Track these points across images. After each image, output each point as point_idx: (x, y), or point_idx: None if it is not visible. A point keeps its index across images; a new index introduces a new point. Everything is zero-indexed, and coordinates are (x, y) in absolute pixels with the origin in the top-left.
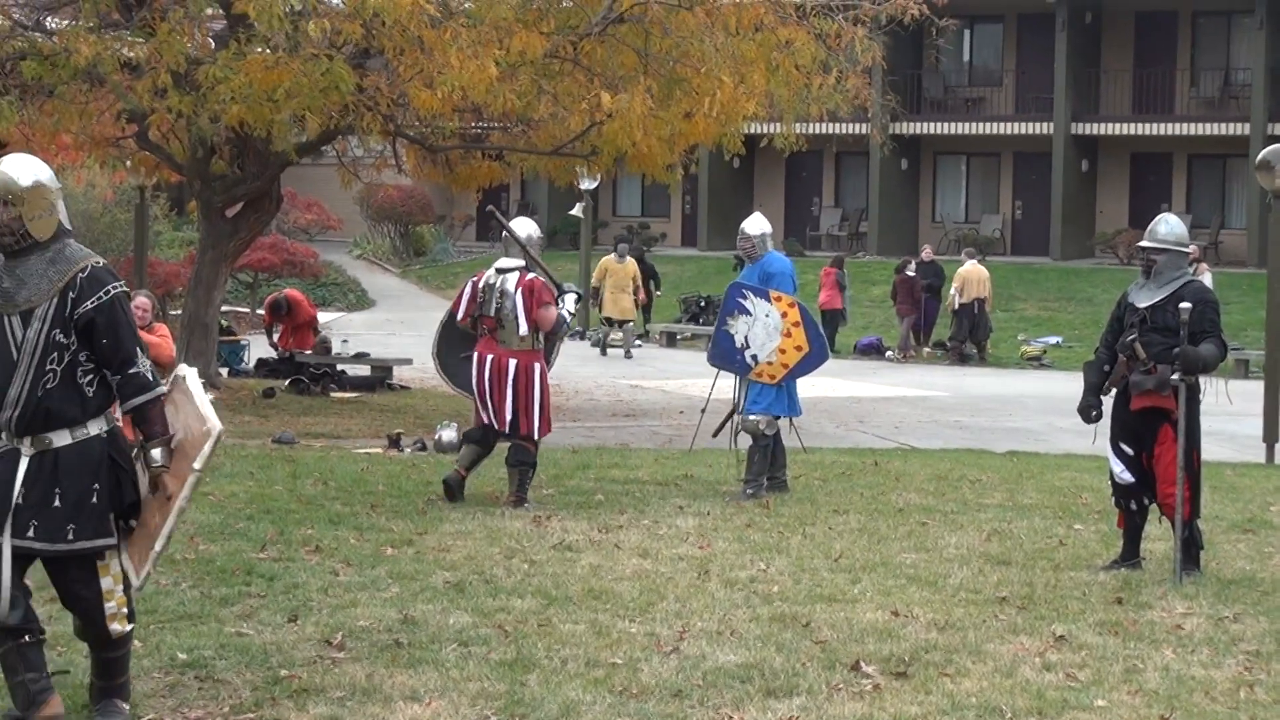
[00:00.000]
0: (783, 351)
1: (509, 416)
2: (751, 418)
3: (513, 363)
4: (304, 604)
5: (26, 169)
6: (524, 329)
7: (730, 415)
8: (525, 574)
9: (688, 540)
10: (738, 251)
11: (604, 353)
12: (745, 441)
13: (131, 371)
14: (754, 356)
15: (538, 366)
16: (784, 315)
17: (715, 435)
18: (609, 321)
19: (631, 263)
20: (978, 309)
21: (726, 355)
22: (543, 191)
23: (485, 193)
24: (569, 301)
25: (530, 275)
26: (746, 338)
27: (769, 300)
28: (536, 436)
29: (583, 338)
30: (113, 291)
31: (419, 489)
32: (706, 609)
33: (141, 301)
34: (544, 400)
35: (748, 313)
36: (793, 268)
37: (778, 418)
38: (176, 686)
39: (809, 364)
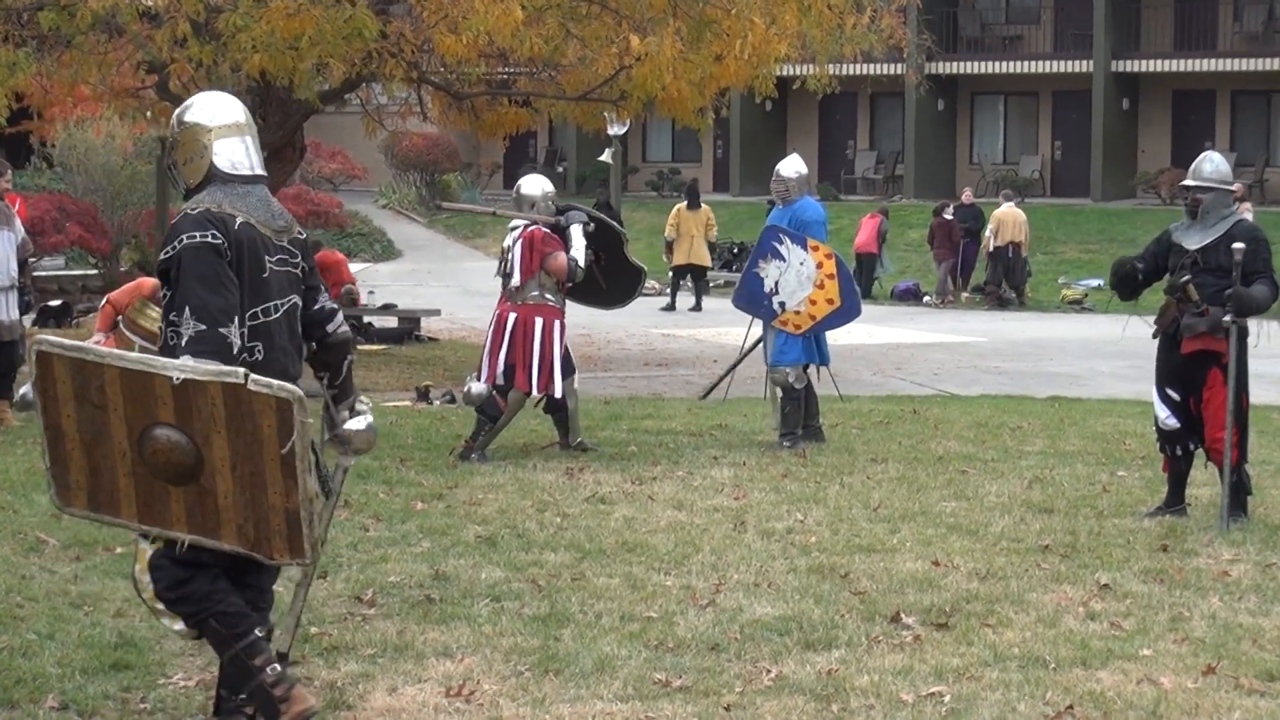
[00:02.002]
0: (813, 303)
1: (500, 368)
2: (781, 368)
3: (512, 316)
4: (333, 560)
5: None
6: (516, 280)
7: (731, 370)
8: (558, 527)
9: (723, 491)
10: (770, 197)
11: (673, 306)
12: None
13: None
14: (781, 304)
15: (540, 321)
16: (819, 266)
17: (704, 397)
18: (681, 271)
19: (706, 209)
20: (1012, 253)
21: (753, 298)
22: (571, 138)
23: (512, 139)
24: (576, 237)
25: (532, 228)
26: (777, 283)
27: (805, 248)
28: (536, 392)
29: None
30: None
31: (448, 442)
32: (743, 561)
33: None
34: (545, 355)
35: (781, 258)
36: (825, 215)
37: (806, 366)
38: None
39: (838, 319)
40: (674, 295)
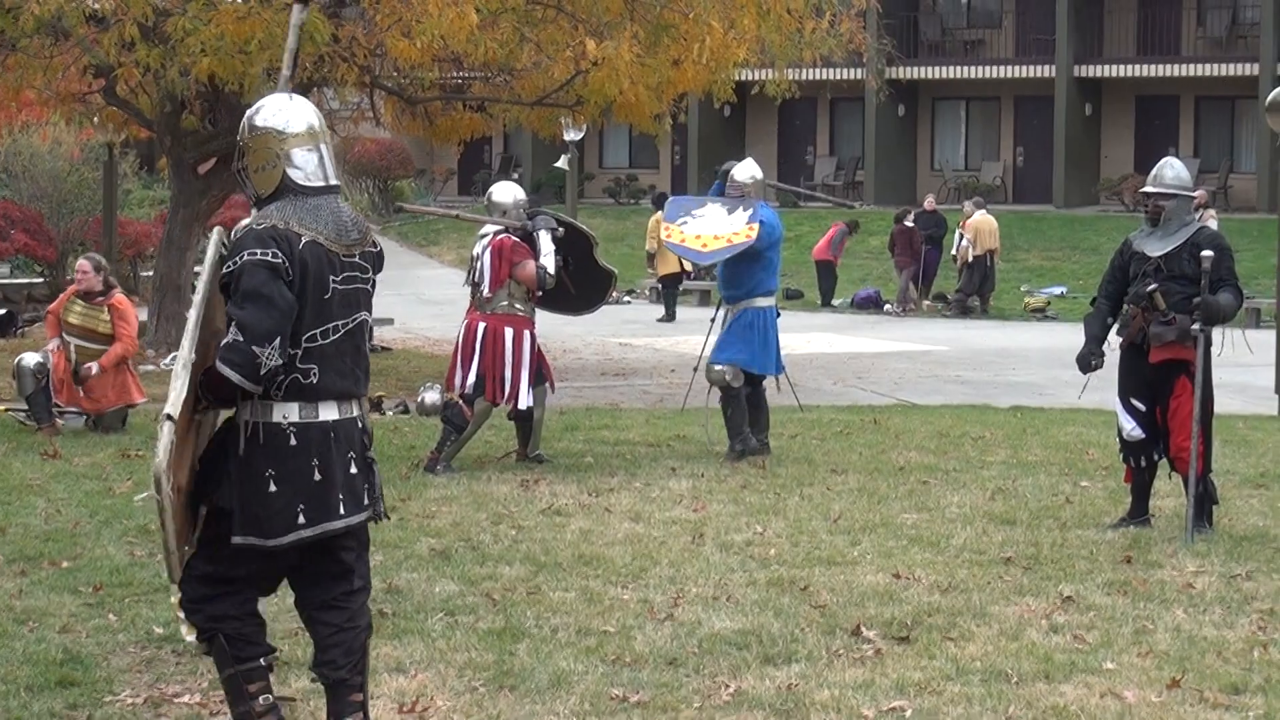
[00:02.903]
0: (715, 237)
1: (470, 379)
2: (717, 368)
3: (482, 326)
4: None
5: None
6: (486, 289)
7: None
8: (513, 540)
9: (681, 503)
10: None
11: (672, 317)
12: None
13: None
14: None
15: (510, 331)
16: (739, 234)
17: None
18: (671, 280)
19: None
20: (989, 261)
21: (680, 204)
22: (526, 144)
23: (467, 145)
24: (544, 243)
25: (501, 236)
26: (704, 213)
27: (744, 225)
28: (500, 403)
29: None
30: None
31: (402, 454)
32: (701, 574)
33: (82, 265)
34: (515, 366)
35: (725, 211)
36: (780, 228)
37: (762, 377)
38: (153, 661)
39: (718, 254)
40: (671, 306)
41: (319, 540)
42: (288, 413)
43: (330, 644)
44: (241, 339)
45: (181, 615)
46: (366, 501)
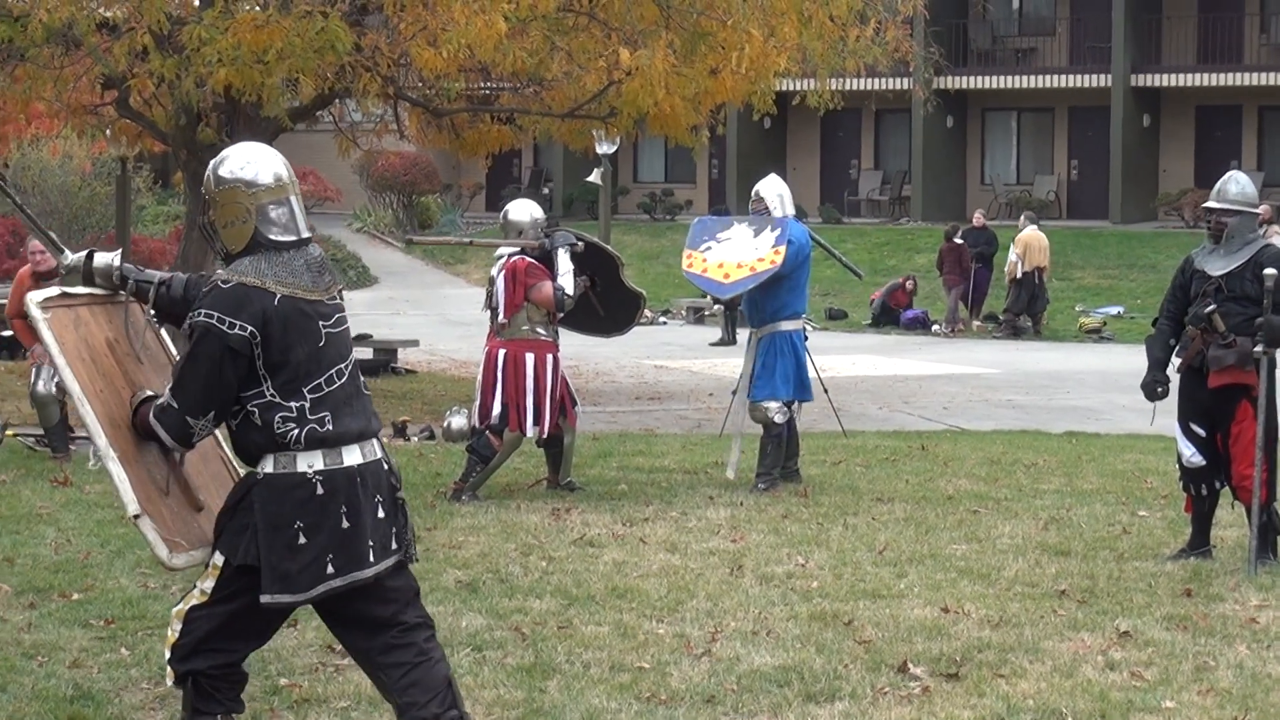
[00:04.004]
0: (739, 266)
1: (496, 410)
2: (762, 404)
3: (502, 353)
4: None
5: None
6: (502, 315)
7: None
8: (544, 572)
9: (719, 533)
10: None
11: (732, 339)
12: (744, 428)
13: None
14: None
15: (531, 357)
16: (765, 259)
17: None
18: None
19: None
20: (1038, 279)
21: (705, 227)
22: (557, 157)
23: (495, 159)
24: (563, 263)
25: (515, 257)
26: (729, 237)
27: (769, 249)
28: (528, 434)
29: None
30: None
31: (427, 481)
32: (740, 607)
33: (36, 244)
34: (539, 393)
35: (752, 233)
36: (809, 245)
37: (789, 403)
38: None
39: (743, 284)
40: (732, 327)
41: (359, 589)
42: (313, 461)
43: (407, 684)
44: (176, 406)
45: (169, 655)
46: (395, 545)
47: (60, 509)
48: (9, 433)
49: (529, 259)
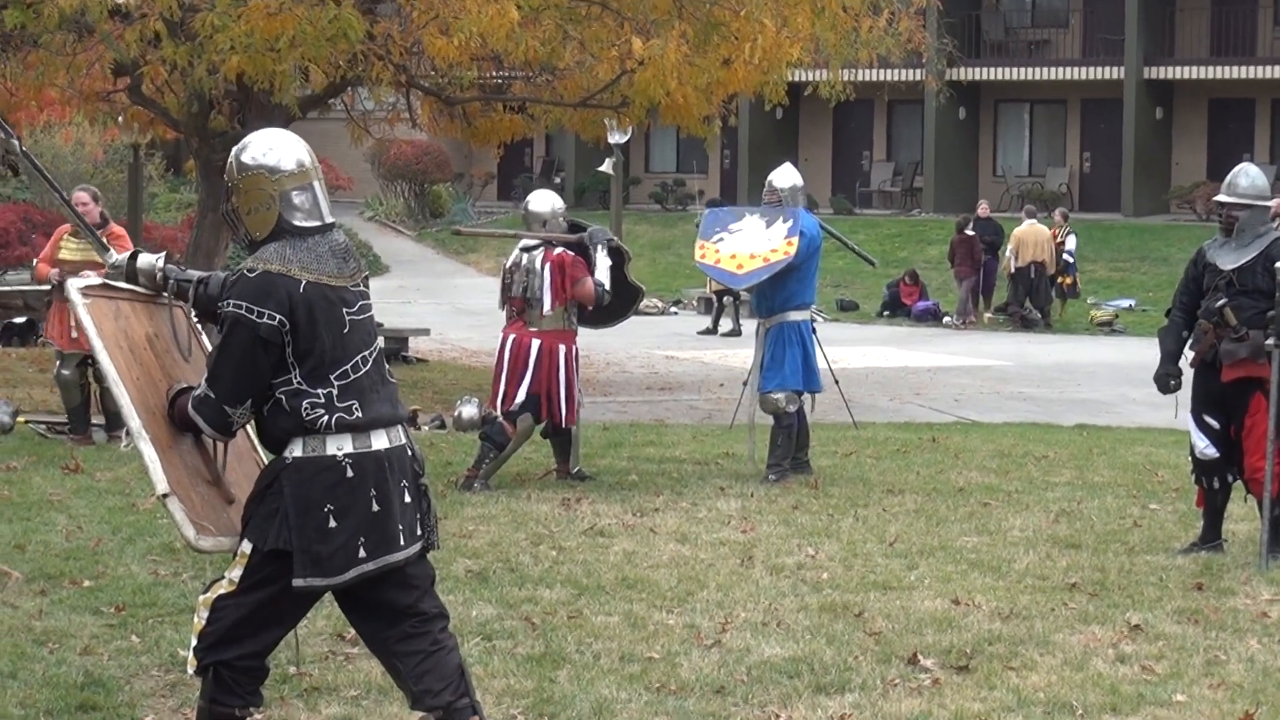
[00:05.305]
0: (751, 257)
1: (519, 399)
2: (772, 395)
3: (536, 343)
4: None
5: None
6: (548, 307)
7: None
8: (554, 561)
9: (729, 524)
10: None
11: (715, 329)
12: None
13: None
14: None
15: (563, 348)
16: (778, 250)
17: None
18: (720, 294)
19: None
20: (1035, 273)
21: (718, 218)
22: (569, 147)
23: (507, 148)
24: (601, 259)
25: (557, 250)
26: (741, 227)
27: (783, 240)
28: (563, 424)
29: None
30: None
31: (438, 470)
32: (750, 598)
33: (80, 195)
34: (569, 384)
35: (765, 224)
36: (820, 236)
37: (799, 393)
38: (177, 685)
39: (759, 274)
40: (717, 318)
41: (381, 574)
42: (342, 444)
43: (421, 672)
44: (213, 395)
45: (195, 642)
46: (420, 531)
47: (71, 496)
48: (20, 419)
49: (571, 253)
